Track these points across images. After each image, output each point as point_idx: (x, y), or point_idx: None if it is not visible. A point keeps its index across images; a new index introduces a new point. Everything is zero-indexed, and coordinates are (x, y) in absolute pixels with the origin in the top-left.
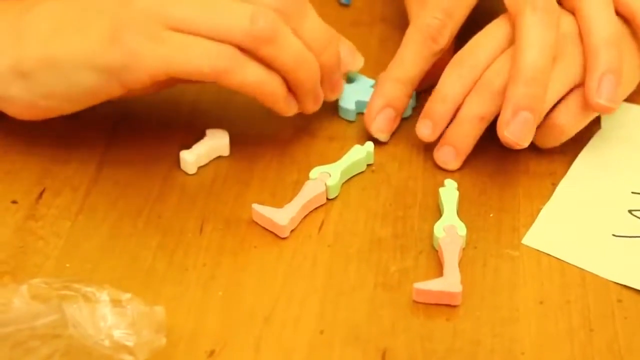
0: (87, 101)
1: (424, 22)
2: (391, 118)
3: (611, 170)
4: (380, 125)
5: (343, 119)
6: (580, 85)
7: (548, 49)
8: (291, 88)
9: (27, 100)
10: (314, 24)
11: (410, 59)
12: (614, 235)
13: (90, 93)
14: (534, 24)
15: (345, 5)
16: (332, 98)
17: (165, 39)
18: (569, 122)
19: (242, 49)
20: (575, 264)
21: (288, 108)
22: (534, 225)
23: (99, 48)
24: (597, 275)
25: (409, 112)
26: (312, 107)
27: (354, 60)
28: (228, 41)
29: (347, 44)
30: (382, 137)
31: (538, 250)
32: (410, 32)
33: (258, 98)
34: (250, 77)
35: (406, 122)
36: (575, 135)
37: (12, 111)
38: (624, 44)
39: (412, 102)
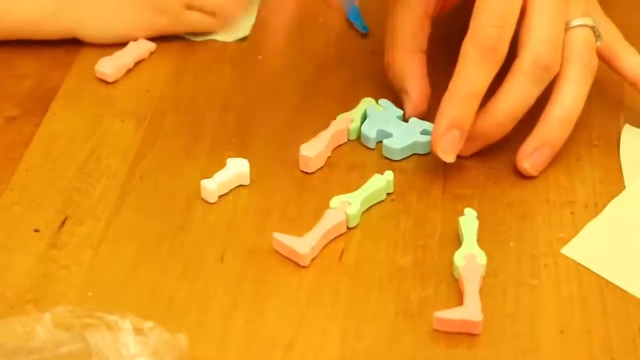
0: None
1: (482, 34)
2: (456, 139)
3: None
4: (446, 147)
5: (364, 146)
6: None
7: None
8: None
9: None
10: None
11: (473, 75)
12: None
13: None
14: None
15: (365, 35)
16: None
17: None
18: None
19: None
20: (613, 281)
21: None
22: (577, 236)
23: None
24: (618, 305)
25: (427, 149)
26: None
27: None
28: None
29: None
30: (449, 159)
31: (558, 279)
32: (468, 47)
33: None
34: None
35: (426, 154)
36: (594, 165)
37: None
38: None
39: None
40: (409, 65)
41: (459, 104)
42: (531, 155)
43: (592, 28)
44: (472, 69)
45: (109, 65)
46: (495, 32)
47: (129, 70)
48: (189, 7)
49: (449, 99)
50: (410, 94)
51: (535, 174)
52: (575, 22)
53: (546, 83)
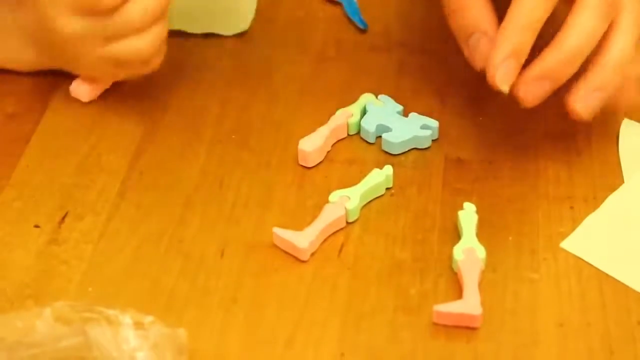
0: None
1: None
2: (512, 69)
3: None
4: (503, 76)
5: (363, 141)
6: None
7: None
8: None
9: None
10: None
11: (534, 4)
12: None
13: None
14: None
15: (364, 30)
16: None
17: None
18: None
19: None
20: (612, 275)
21: None
22: (576, 230)
23: None
24: (617, 298)
25: (428, 143)
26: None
27: None
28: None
29: None
30: (504, 88)
31: (558, 273)
32: None
33: None
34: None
35: (425, 149)
36: (593, 159)
37: None
38: None
39: (433, 134)
40: (479, 8)
41: (519, 32)
42: (585, 97)
43: None
44: None
45: None
46: None
47: None
48: (107, 40)
49: (508, 28)
50: (490, 34)
51: (586, 117)
52: None
53: (610, 19)
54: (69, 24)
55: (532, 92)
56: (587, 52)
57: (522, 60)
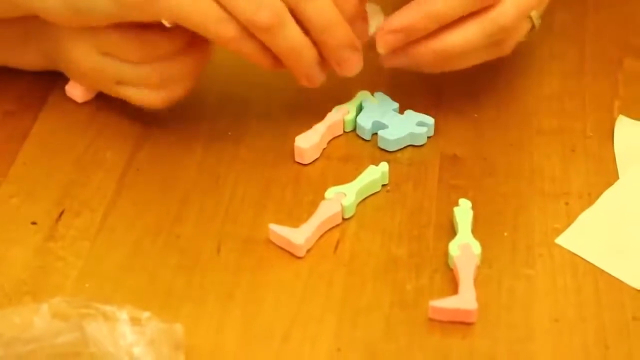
0: (109, 20)
1: None
2: (399, 42)
3: None
4: (387, 42)
5: (359, 138)
6: None
7: None
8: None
9: (63, 12)
10: (319, 5)
11: (451, 2)
12: None
13: (106, 17)
14: None
15: None
16: (344, 74)
17: None
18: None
19: None
20: (607, 271)
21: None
22: (571, 226)
23: None
24: (612, 294)
25: (424, 140)
26: (305, 84)
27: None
28: (234, 16)
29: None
30: (381, 50)
31: (553, 269)
32: None
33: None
34: (247, 49)
35: (420, 146)
36: (588, 156)
37: (54, 19)
38: None
39: (428, 131)
40: None
41: (422, 17)
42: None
43: (533, 24)
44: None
45: None
46: None
47: None
48: (119, 83)
49: (416, 8)
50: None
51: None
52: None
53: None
54: (88, 59)
55: (386, 42)
56: (448, 19)
57: (412, 39)
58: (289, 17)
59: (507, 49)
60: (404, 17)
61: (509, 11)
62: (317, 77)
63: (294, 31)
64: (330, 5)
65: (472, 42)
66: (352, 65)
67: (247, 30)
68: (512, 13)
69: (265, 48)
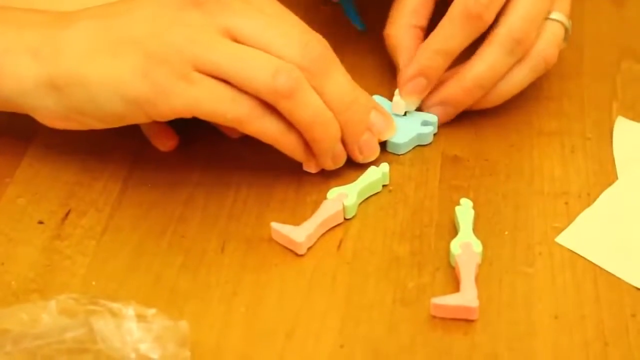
0: (115, 122)
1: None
2: (422, 86)
3: None
4: (411, 90)
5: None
6: None
7: None
8: (309, 144)
9: (60, 112)
10: (339, 83)
11: (453, 34)
12: None
13: (116, 117)
14: None
15: (362, 32)
16: (362, 160)
17: (195, 81)
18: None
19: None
20: (606, 269)
21: (307, 161)
22: (570, 225)
23: (129, 79)
24: (611, 291)
25: (430, 139)
26: (330, 165)
27: (386, 127)
28: (250, 91)
29: (381, 110)
30: (411, 101)
31: (553, 267)
32: (457, 7)
33: (277, 148)
34: (268, 128)
35: (423, 147)
36: (588, 157)
37: (48, 121)
38: None
39: (433, 129)
40: (403, 39)
41: (431, 56)
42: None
43: (565, 27)
44: (454, 29)
45: None
46: (486, 0)
47: None
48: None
49: (424, 49)
50: (401, 69)
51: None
52: (554, 15)
53: (518, 57)
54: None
55: (407, 90)
56: (488, 84)
57: (432, 80)
58: (307, 84)
59: (550, 59)
60: (415, 61)
61: (515, 23)
62: (343, 155)
63: (316, 98)
64: (351, 82)
65: (495, 64)
66: (373, 148)
67: (267, 108)
68: (519, 25)
69: (290, 128)
